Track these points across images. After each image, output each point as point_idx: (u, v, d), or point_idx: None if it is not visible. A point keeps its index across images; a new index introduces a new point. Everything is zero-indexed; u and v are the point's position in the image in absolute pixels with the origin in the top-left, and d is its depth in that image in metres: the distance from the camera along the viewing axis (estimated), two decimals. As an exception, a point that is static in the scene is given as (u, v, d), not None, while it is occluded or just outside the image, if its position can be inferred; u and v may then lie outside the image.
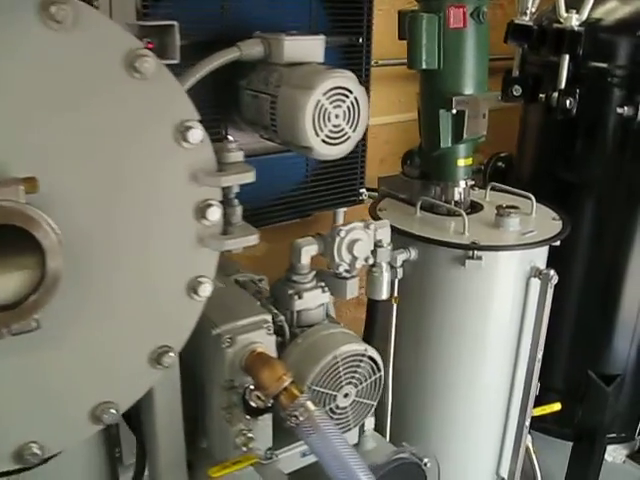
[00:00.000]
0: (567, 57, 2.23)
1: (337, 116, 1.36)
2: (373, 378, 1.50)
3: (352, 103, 1.38)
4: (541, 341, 2.04)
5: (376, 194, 2.23)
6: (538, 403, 2.57)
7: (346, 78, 1.36)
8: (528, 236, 1.98)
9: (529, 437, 2.53)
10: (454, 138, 2.04)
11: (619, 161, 2.33)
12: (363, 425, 1.84)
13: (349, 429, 1.51)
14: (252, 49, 1.43)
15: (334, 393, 1.44)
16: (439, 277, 2.00)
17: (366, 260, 1.54)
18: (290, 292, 1.50)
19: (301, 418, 1.28)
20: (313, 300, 1.52)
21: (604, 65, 2.24)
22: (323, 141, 1.37)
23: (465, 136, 2.02)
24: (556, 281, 1.98)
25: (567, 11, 2.22)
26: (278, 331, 1.49)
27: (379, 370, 1.50)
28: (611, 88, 2.25)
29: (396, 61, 2.47)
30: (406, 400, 2.21)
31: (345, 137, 1.39)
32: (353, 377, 1.46)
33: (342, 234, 1.48)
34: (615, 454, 3.00)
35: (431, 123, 2.06)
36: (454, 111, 2.00)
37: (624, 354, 2.54)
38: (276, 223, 1.69)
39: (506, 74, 2.45)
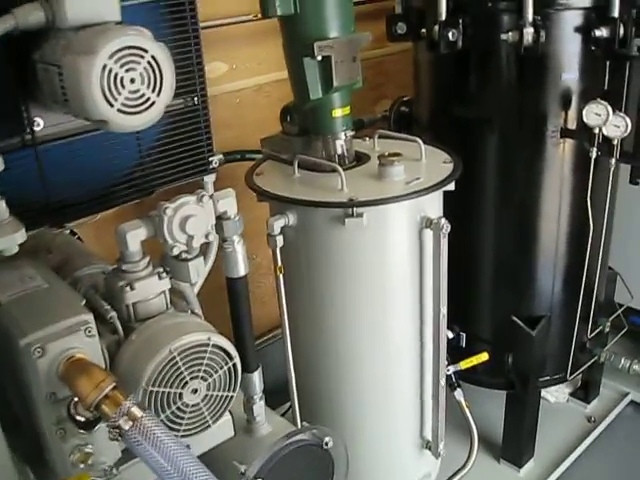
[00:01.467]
0: (444, -15, 2.05)
1: (133, 80, 1.18)
2: (226, 368, 1.35)
3: (149, 64, 1.19)
4: (443, 294, 1.90)
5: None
6: (468, 355, 2.46)
7: (136, 36, 1.18)
8: (413, 184, 1.82)
9: (460, 391, 2.42)
10: (324, 87, 1.88)
11: (513, 92, 2.17)
12: (252, 411, 1.71)
13: (207, 426, 1.37)
14: (30, 15, 1.23)
15: (178, 391, 1.29)
16: (322, 240, 1.85)
17: (207, 237, 1.37)
18: (120, 284, 1.34)
19: (126, 427, 1.13)
20: (149, 289, 1.35)
21: (486, -10, 2.06)
22: (120, 111, 1.19)
23: (335, 84, 1.85)
24: (448, 229, 1.83)
25: None
26: (114, 329, 1.33)
27: (231, 358, 1.35)
28: (495, 14, 2.07)
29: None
30: (312, 376, 2.08)
31: (148, 103, 1.21)
32: (199, 370, 1.30)
33: (169, 212, 1.31)
34: (557, 394, 2.92)
35: (298, 74, 1.89)
36: (319, 58, 1.82)
37: (547, 293, 2.42)
38: (115, 207, 1.52)
39: (388, 13, 2.28)
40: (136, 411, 1.14)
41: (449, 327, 2.41)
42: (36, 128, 1.37)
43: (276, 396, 2.16)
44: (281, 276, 1.88)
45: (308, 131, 2.02)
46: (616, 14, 1.98)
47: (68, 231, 1.88)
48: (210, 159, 1.60)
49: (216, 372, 1.34)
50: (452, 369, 2.42)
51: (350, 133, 1.98)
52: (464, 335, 2.49)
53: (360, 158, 2.03)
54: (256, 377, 1.66)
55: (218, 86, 2.56)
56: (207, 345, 1.30)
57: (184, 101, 1.56)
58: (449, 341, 2.42)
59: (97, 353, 1.24)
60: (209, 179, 1.88)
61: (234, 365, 1.36)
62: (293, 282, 1.93)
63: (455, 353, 2.46)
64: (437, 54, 2.11)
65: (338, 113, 1.93)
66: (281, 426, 1.80)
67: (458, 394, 2.45)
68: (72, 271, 1.57)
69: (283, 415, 2.18)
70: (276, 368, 2.10)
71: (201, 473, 1.13)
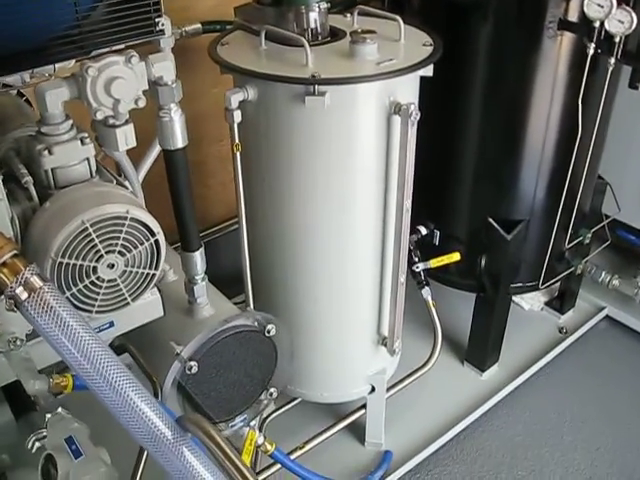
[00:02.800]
0: None
1: None
2: (147, 244, 1.26)
3: None
4: (408, 187, 1.79)
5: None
6: (440, 253, 2.38)
7: None
8: (384, 65, 1.67)
9: (427, 289, 2.36)
10: (296, -50, 1.70)
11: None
12: (193, 292, 1.65)
13: (126, 303, 1.29)
14: None
15: (92, 264, 1.21)
16: (282, 119, 1.73)
17: (136, 102, 1.26)
18: (39, 147, 1.24)
19: (22, 297, 1.05)
20: (69, 154, 1.25)
21: None
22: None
23: (307, -54, 1.68)
24: (417, 116, 1.69)
25: None
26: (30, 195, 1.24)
27: (153, 234, 1.26)
28: None
29: None
30: (267, 265, 2.00)
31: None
32: (116, 245, 1.22)
33: (92, 72, 1.19)
34: (533, 302, 2.86)
35: None
36: None
37: (528, 197, 2.30)
38: (50, 64, 1.39)
39: None
40: (35, 281, 1.06)
41: (423, 223, 2.34)
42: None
43: (234, 287, 2.10)
44: (238, 154, 1.77)
45: (282, 1, 1.86)
46: None
47: (15, 92, 1.77)
48: (157, 20, 1.45)
49: (135, 248, 1.25)
50: (422, 266, 2.36)
51: (324, 5, 1.81)
52: (438, 232, 2.40)
53: (335, 34, 1.88)
54: (197, 257, 1.58)
55: (199, -53, 2.37)
56: (125, 218, 1.21)
57: (133, -50, 1.40)
58: (422, 238, 2.35)
59: (3, 219, 1.16)
60: (166, 44, 1.75)
61: (156, 242, 1.27)
62: (251, 162, 1.82)
63: (427, 250, 2.39)
64: None
65: (308, -17, 1.77)
66: (225, 310, 1.74)
67: (425, 292, 2.40)
68: (3, 133, 1.47)
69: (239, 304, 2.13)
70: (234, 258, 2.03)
71: (98, 350, 1.06)
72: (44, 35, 1.38)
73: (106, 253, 1.22)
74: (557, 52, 2.06)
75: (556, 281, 2.55)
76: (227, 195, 2.66)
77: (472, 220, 2.35)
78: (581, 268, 2.61)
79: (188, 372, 1.52)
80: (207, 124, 2.54)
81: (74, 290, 1.21)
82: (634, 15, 1.88)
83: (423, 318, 2.43)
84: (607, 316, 2.91)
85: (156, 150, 1.94)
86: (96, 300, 1.25)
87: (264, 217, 1.92)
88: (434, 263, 2.35)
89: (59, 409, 1.37)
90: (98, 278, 1.23)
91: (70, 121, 1.27)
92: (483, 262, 2.37)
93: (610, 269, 2.83)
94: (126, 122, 1.28)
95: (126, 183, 1.38)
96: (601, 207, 2.63)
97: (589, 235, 2.50)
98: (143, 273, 1.29)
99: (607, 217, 2.63)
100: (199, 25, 2.29)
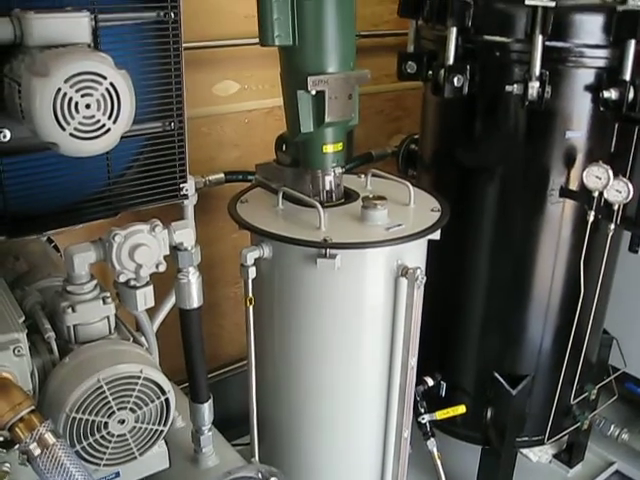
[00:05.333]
0: (454, 30, 2.01)
1: (88, 106, 1.17)
2: (157, 402, 1.33)
3: (107, 90, 1.18)
4: (413, 346, 1.85)
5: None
6: (447, 404, 2.41)
7: (95, 62, 1.16)
8: (393, 231, 1.78)
9: (433, 441, 2.38)
10: (316, 122, 1.86)
11: (516, 144, 2.11)
12: (199, 442, 1.69)
13: (133, 458, 1.34)
14: (-2, 31, 1.24)
15: (103, 420, 1.27)
16: (294, 277, 1.82)
17: (157, 267, 1.35)
18: (63, 305, 1.33)
19: (35, 453, 1.12)
20: (91, 313, 1.34)
21: (496, 39, 2.02)
22: (72, 135, 1.17)
23: (327, 120, 1.83)
24: (424, 280, 1.78)
25: (454, -21, 1.99)
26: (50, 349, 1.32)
27: (164, 393, 1.33)
28: (503, 64, 2.02)
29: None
30: (274, 412, 2.05)
31: (103, 130, 1.20)
32: (128, 402, 1.28)
33: (118, 239, 1.30)
34: (541, 454, 2.84)
35: (291, 105, 1.87)
36: (313, 92, 1.80)
37: (534, 352, 2.35)
38: (78, 224, 1.51)
39: (400, 51, 2.25)
40: (49, 437, 1.13)
41: (430, 374, 2.39)
42: (2, 139, 1.36)
43: (241, 427, 2.15)
44: (251, 307, 1.86)
45: (299, 163, 2.00)
46: (628, 77, 1.92)
47: (45, 238, 1.89)
48: (181, 186, 1.58)
49: (146, 405, 1.32)
50: (427, 418, 2.38)
51: (339, 170, 1.94)
52: (444, 384, 2.44)
53: (349, 196, 2.00)
54: (205, 409, 1.63)
55: (228, 105, 2.56)
56: (138, 377, 1.28)
57: (162, 125, 1.54)
58: (428, 389, 2.38)
59: (24, 373, 1.23)
60: (189, 203, 1.88)
61: (166, 400, 1.34)
62: (263, 315, 1.91)
63: (434, 401, 2.42)
64: (441, 98, 2.07)
65: (329, 149, 1.91)
66: (230, 460, 1.77)
67: (431, 444, 2.41)
68: (30, 282, 1.57)
69: (245, 446, 2.16)
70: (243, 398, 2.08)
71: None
72: (76, 196, 1.51)
73: (118, 410, 1.28)
74: (560, 216, 2.16)
75: (562, 436, 2.55)
76: (240, 335, 2.72)
77: (478, 373, 2.39)
78: (587, 423, 2.60)
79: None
80: (224, 267, 2.65)
81: (84, 444, 1.27)
82: (631, 186, 1.99)
83: (428, 468, 2.43)
84: (617, 471, 2.87)
85: (171, 301, 2.03)
86: (105, 454, 1.30)
87: (273, 365, 1.98)
88: (440, 415, 2.37)
89: None
90: (108, 433, 1.28)
91: (94, 281, 1.36)
92: (489, 415, 2.39)
93: (619, 422, 2.82)
94: (147, 284, 1.37)
95: (142, 339, 1.46)
96: (607, 361, 2.66)
97: (594, 391, 2.51)
98: (152, 429, 1.34)
99: (615, 370, 2.65)
100: (222, 175, 2.45)
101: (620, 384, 2.70)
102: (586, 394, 2.48)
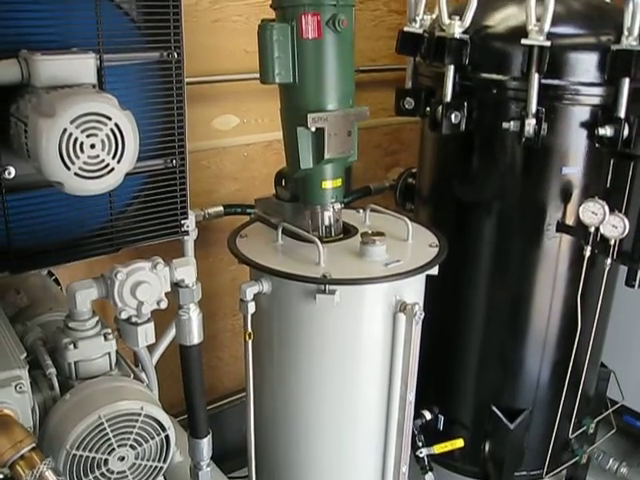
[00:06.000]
0: (452, 68, 2.04)
1: (93, 146, 1.19)
2: (157, 439, 1.33)
3: (112, 131, 1.20)
4: (411, 381, 1.86)
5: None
6: (445, 438, 2.41)
7: (101, 103, 1.19)
8: (391, 267, 1.79)
9: (431, 475, 2.37)
10: (315, 158, 1.88)
11: (513, 179, 2.14)
12: (197, 478, 1.69)
13: (132, 494, 1.34)
14: (5, 71, 1.26)
15: (104, 457, 1.27)
16: (294, 312, 1.83)
17: (158, 304, 1.37)
18: (65, 341, 1.34)
19: (35, 492, 1.12)
20: (93, 349, 1.35)
21: (493, 76, 2.05)
22: (77, 175, 1.20)
23: (327, 156, 1.85)
24: (422, 316, 1.80)
25: (451, 18, 2.03)
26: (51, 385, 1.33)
27: (164, 429, 1.33)
28: (500, 101, 2.05)
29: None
30: (272, 446, 2.05)
31: (107, 169, 1.22)
32: (128, 439, 1.29)
33: (120, 276, 1.31)
34: (540, 488, 2.81)
35: (291, 142, 1.89)
36: (312, 129, 1.82)
37: (532, 387, 2.35)
38: (83, 259, 1.52)
39: (398, 87, 2.28)
40: (49, 476, 1.14)
41: (427, 407, 2.39)
42: (7, 176, 1.38)
43: (238, 459, 2.14)
44: (250, 342, 1.87)
45: (298, 198, 2.02)
46: (622, 114, 1.95)
47: (45, 271, 1.90)
48: (182, 222, 1.60)
49: (146, 442, 1.32)
50: (425, 452, 2.38)
51: (339, 206, 1.96)
52: (442, 418, 2.44)
53: (348, 231, 2.02)
54: (204, 444, 1.64)
55: (228, 138, 2.59)
56: (139, 414, 1.29)
57: (164, 162, 1.56)
58: (426, 422, 2.38)
59: (25, 410, 1.24)
60: (189, 238, 1.90)
61: (166, 437, 1.34)
62: (262, 349, 1.91)
63: (432, 435, 2.42)
64: (439, 134, 2.09)
65: (328, 185, 1.93)
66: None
67: (429, 478, 2.40)
68: (32, 317, 1.58)
69: (243, 479, 2.16)
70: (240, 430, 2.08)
71: None
72: (79, 232, 1.53)
73: (118, 447, 1.28)
74: (557, 251, 2.18)
75: (561, 470, 2.55)
76: (237, 367, 2.74)
77: (476, 407, 2.39)
78: (586, 457, 2.60)
79: None
80: (223, 299, 2.66)
81: (84, 480, 1.27)
82: (627, 221, 2.01)
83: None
84: (616, 506, 2.86)
85: (170, 336, 2.05)
86: (104, 490, 1.30)
87: (271, 399, 1.99)
88: (438, 449, 2.37)
89: None
90: (108, 470, 1.29)
91: (96, 318, 1.38)
92: (487, 449, 2.39)
93: (618, 456, 2.82)
94: (148, 320, 1.38)
95: (142, 375, 1.47)
96: (605, 395, 2.67)
97: (593, 425, 2.52)
98: (152, 466, 1.34)
99: (613, 403, 2.65)
100: (221, 208, 2.47)
101: (618, 417, 2.70)
102: (584, 428, 2.48)
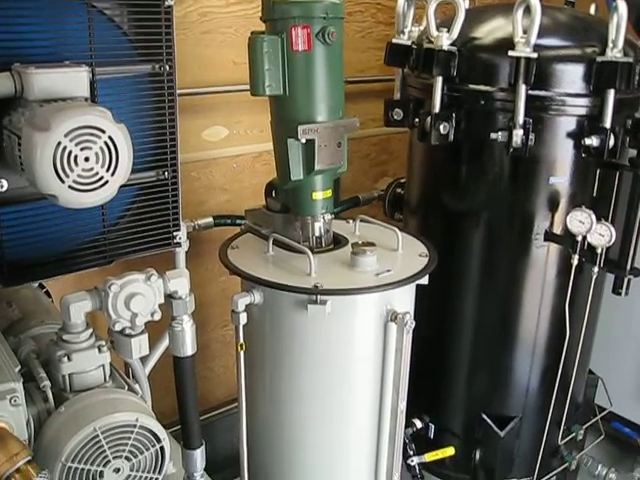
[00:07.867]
0: (440, 79, 2.07)
1: (87, 159, 1.20)
2: (152, 450, 1.33)
3: (106, 144, 1.21)
4: (402, 390, 1.87)
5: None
6: (435, 446, 2.42)
7: (95, 116, 1.20)
8: (382, 277, 1.81)
9: (422, 484, 2.38)
10: (306, 169, 1.89)
11: (501, 189, 2.16)
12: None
13: (127, 506, 1.34)
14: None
15: (99, 469, 1.27)
16: (285, 323, 1.84)
17: (152, 315, 1.37)
18: (59, 353, 1.34)
19: (32, 505, 1.12)
20: (87, 362, 1.35)
21: (480, 87, 2.07)
22: (71, 187, 1.20)
23: (317, 167, 1.86)
24: (413, 325, 1.81)
25: (439, 30, 2.05)
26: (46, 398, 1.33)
27: (159, 441, 1.34)
28: (488, 112, 2.07)
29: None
30: (264, 456, 2.05)
31: (101, 182, 1.23)
32: (123, 450, 1.29)
33: (114, 288, 1.31)
34: (530, 495, 2.82)
35: (281, 153, 1.90)
36: (303, 140, 1.84)
37: (521, 394, 2.37)
38: (76, 271, 1.53)
39: (387, 98, 2.30)
40: (45, 489, 1.13)
41: (418, 416, 2.40)
42: (0, 189, 1.38)
43: (228, 470, 2.14)
44: (242, 353, 1.87)
45: (289, 209, 2.03)
46: (608, 124, 1.97)
47: (36, 284, 1.90)
48: (175, 234, 1.60)
49: (142, 453, 1.32)
50: (416, 460, 2.38)
51: (329, 216, 1.97)
52: (433, 426, 2.45)
53: (338, 241, 2.03)
54: (198, 455, 1.63)
55: (217, 150, 2.60)
56: (134, 426, 1.29)
57: (156, 174, 1.57)
58: (417, 431, 2.40)
59: (20, 423, 1.24)
60: (180, 250, 1.90)
61: (161, 448, 1.35)
62: (254, 359, 1.92)
63: (423, 443, 2.43)
64: (428, 145, 2.11)
65: (318, 196, 1.94)
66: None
67: (420, 486, 2.41)
68: (24, 329, 1.58)
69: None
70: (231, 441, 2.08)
71: None
72: (71, 244, 1.53)
73: (113, 458, 1.28)
74: (545, 260, 2.20)
75: (551, 477, 2.56)
76: (228, 378, 2.74)
77: (466, 415, 2.41)
78: (575, 463, 2.62)
79: None
80: (213, 309, 2.67)
81: (80, 492, 1.27)
82: (613, 230, 2.04)
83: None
84: (605, 512, 2.88)
85: (162, 347, 2.05)
86: (99, 501, 1.30)
87: (263, 409, 1.99)
88: (429, 457, 2.38)
89: None
90: (104, 482, 1.29)
91: (90, 330, 1.38)
92: (477, 456, 2.40)
93: (606, 462, 2.84)
94: (141, 332, 1.39)
95: (136, 386, 1.47)
96: (593, 401, 2.69)
97: (582, 431, 2.54)
98: (147, 477, 1.35)
99: (601, 410, 2.68)
100: (211, 219, 2.48)
101: (606, 423, 2.72)
102: (573, 434, 2.50)
